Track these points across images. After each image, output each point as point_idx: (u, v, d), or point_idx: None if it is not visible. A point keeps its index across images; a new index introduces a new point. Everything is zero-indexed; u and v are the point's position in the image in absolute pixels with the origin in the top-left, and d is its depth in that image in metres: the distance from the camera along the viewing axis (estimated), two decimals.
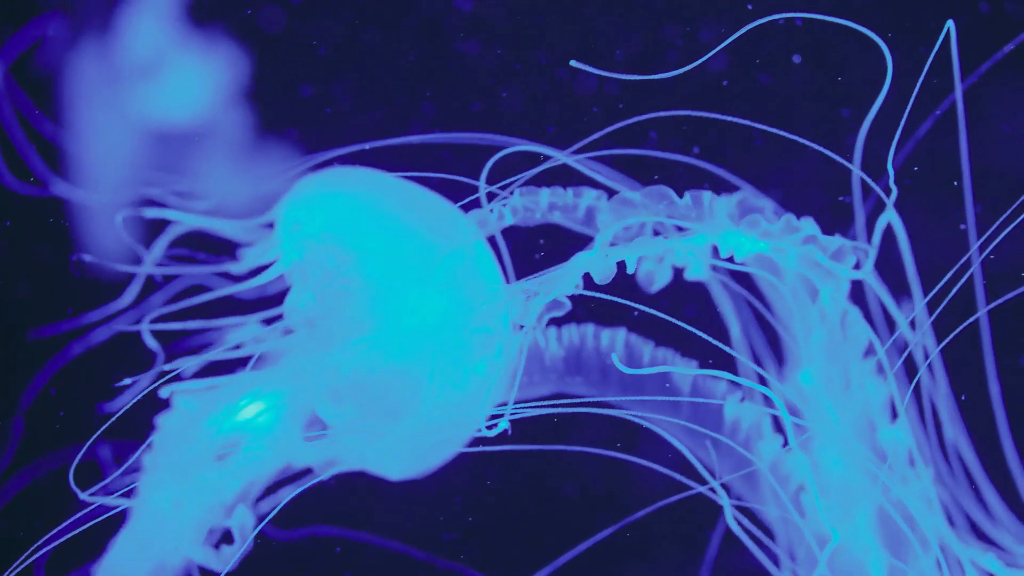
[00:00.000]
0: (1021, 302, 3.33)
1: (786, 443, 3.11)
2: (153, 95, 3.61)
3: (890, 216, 3.15)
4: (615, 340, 3.24)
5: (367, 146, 3.41)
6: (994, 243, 3.16)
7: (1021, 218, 3.15)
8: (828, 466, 3.13)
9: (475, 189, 3.17)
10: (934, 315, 3.15)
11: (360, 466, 3.14)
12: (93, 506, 3.05)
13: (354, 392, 3.02)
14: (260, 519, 3.13)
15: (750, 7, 3.61)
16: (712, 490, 3.15)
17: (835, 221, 3.29)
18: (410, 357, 3.01)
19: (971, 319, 3.25)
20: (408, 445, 3.08)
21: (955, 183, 3.32)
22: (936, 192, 3.55)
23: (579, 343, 3.21)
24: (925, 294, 3.19)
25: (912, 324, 3.19)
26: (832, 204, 3.44)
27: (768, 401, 3.14)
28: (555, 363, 3.22)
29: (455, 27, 3.72)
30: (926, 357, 3.21)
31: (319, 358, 3.02)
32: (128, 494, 3.07)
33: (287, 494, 3.15)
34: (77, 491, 3.04)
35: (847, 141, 3.26)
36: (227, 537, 3.11)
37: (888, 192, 3.13)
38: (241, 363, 3.11)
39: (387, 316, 3.01)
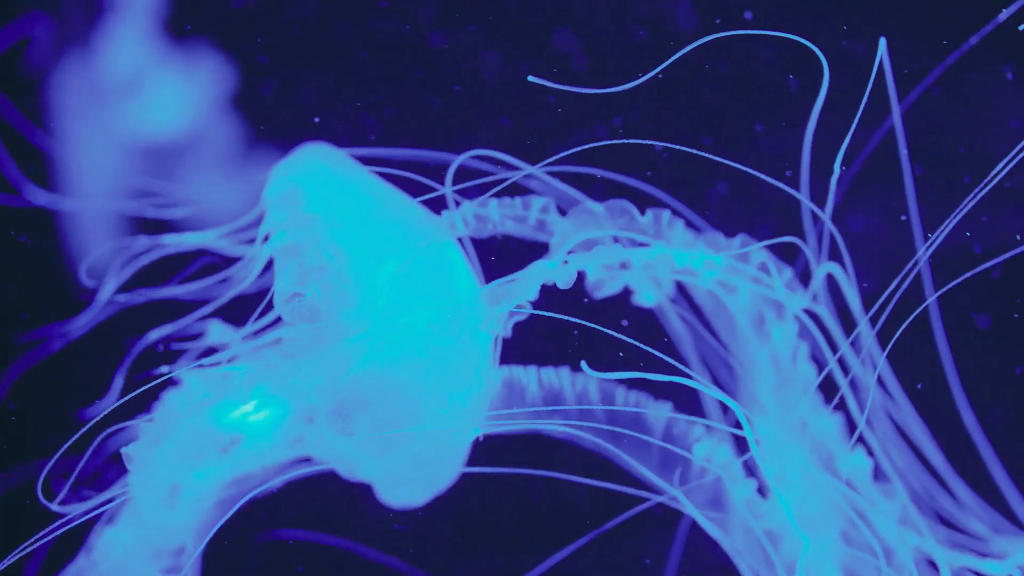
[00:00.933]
0: (970, 283, 3.35)
1: (758, 484, 3.13)
2: (134, 106, 3.60)
3: (829, 220, 3.19)
4: (590, 383, 3.25)
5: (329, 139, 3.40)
6: (939, 233, 3.20)
7: (967, 209, 3.18)
8: (794, 500, 3.14)
9: (431, 195, 3.19)
10: (879, 324, 3.18)
11: (356, 477, 3.15)
12: (67, 516, 3.05)
13: (351, 400, 3.01)
14: (218, 518, 3.13)
15: None
16: (674, 499, 3.18)
17: (783, 211, 3.33)
18: (400, 361, 3.01)
19: (919, 308, 3.28)
20: (408, 461, 3.08)
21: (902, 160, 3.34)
22: (883, 185, 3.58)
23: (558, 386, 3.23)
24: (873, 289, 3.23)
25: (856, 344, 3.21)
26: (777, 189, 3.44)
27: (735, 434, 3.16)
28: (535, 402, 3.23)
29: (423, 20, 3.71)
30: (875, 368, 3.24)
31: (314, 353, 3.01)
32: (107, 500, 3.07)
33: (244, 495, 3.15)
34: (45, 502, 3.05)
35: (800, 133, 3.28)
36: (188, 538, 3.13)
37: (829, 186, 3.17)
38: (237, 362, 3.10)
39: (372, 307, 3.00)
